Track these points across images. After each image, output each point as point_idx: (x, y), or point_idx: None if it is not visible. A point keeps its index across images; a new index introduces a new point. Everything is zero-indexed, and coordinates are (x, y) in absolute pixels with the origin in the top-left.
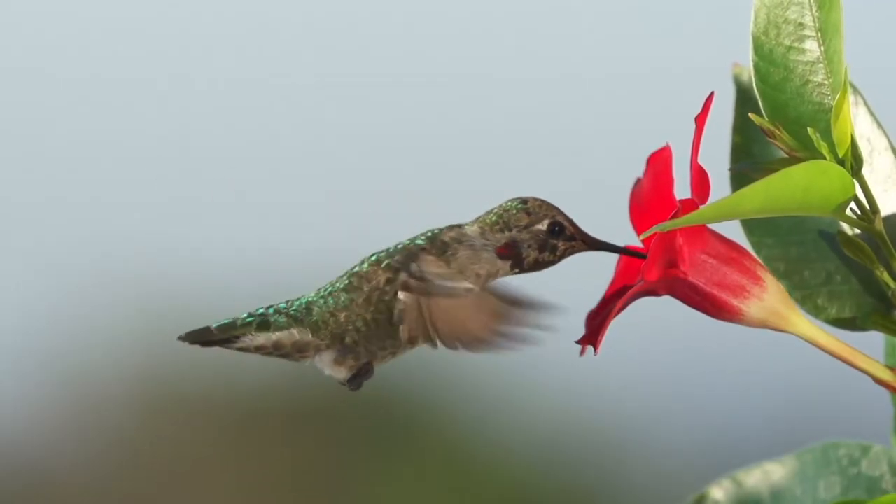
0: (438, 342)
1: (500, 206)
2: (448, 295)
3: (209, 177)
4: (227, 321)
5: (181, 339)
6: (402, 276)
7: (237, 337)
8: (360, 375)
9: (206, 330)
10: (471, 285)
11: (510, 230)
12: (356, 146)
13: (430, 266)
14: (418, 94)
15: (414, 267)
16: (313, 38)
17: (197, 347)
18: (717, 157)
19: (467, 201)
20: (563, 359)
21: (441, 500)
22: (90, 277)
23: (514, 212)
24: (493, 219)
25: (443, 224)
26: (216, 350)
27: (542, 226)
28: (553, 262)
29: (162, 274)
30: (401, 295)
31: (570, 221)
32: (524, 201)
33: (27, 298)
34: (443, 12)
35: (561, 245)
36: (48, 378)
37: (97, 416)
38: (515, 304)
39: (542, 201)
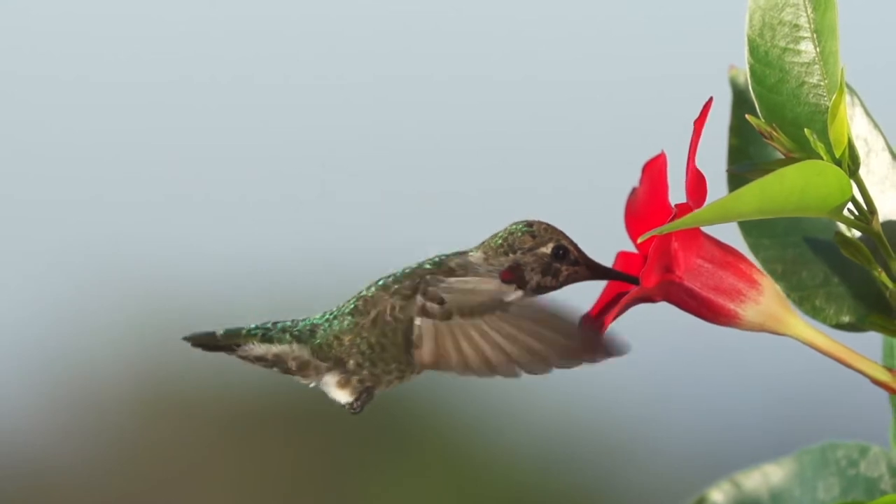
0: (454, 369)
1: (506, 228)
2: (470, 313)
3: (210, 177)
4: (232, 329)
5: (186, 339)
6: (419, 300)
7: (239, 344)
8: (360, 399)
9: (211, 335)
10: (496, 289)
11: (514, 252)
12: (357, 147)
13: (454, 283)
14: (417, 95)
15: (432, 290)
16: (315, 39)
17: (197, 348)
18: (714, 159)
19: (468, 202)
20: None
21: (441, 500)
22: (90, 277)
23: (519, 234)
24: (498, 241)
25: (442, 225)
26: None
27: (547, 249)
28: (555, 287)
29: (162, 274)
30: (417, 320)
31: (575, 246)
32: (529, 224)
33: (27, 299)
34: (444, 13)
35: (564, 269)
36: (48, 378)
37: (97, 416)
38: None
39: (548, 225)
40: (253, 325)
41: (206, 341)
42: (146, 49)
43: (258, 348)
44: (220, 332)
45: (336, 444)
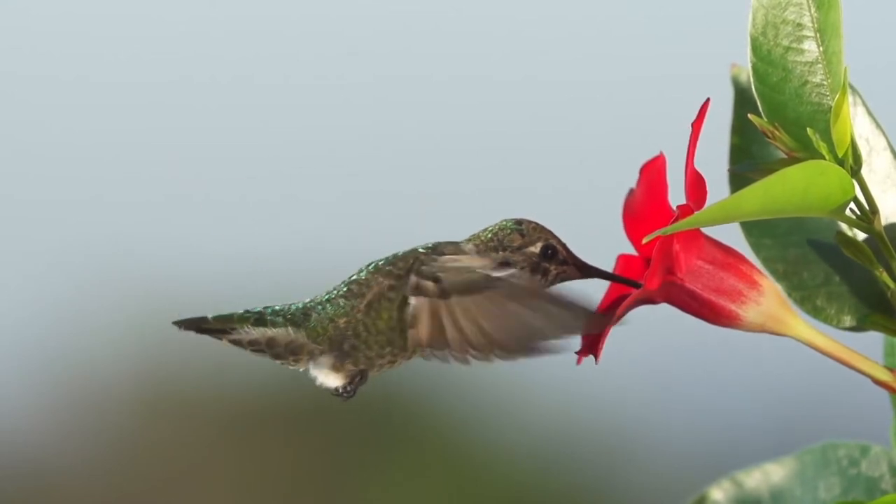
0: (449, 349)
1: (496, 224)
2: (466, 289)
3: (210, 177)
4: (224, 313)
5: (176, 324)
6: (413, 279)
7: (233, 328)
8: (353, 384)
9: (202, 318)
10: (494, 273)
11: (504, 250)
12: (357, 147)
13: (447, 262)
14: (417, 95)
15: (426, 269)
16: (315, 39)
17: (197, 348)
18: (716, 159)
19: (468, 202)
20: (562, 359)
21: (440, 501)
22: (90, 277)
23: (509, 231)
24: (488, 236)
25: (442, 225)
26: (216, 351)
27: (535, 248)
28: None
29: (162, 274)
30: (412, 299)
31: (564, 246)
32: (519, 222)
33: (27, 299)
34: (444, 13)
35: (553, 269)
36: (48, 378)
37: (97, 416)
38: (549, 300)
39: (537, 224)
40: (243, 310)
41: (196, 325)
42: (146, 49)
43: (252, 332)
44: (210, 316)
45: (336, 444)
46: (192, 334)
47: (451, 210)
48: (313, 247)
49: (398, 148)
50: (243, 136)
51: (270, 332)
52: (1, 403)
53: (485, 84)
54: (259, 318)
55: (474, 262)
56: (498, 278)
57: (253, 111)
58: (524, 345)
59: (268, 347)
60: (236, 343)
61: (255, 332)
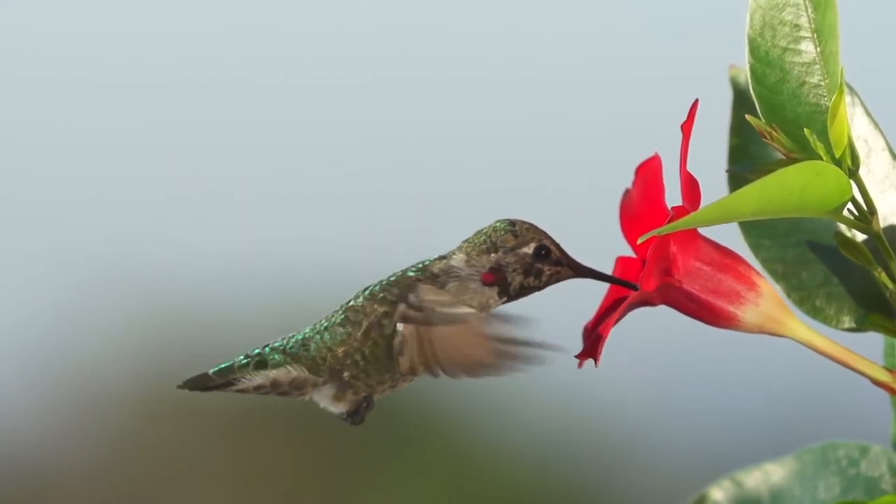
0: (440, 372)
1: (489, 226)
2: (448, 322)
3: (210, 177)
4: (224, 365)
5: (181, 386)
6: (401, 307)
7: (236, 379)
8: (361, 409)
9: (205, 376)
10: (471, 310)
11: (496, 251)
12: (357, 147)
13: (429, 294)
14: (417, 95)
15: (412, 297)
16: (315, 39)
17: (196, 345)
18: (715, 160)
19: (468, 202)
20: (562, 359)
21: (440, 501)
22: (90, 278)
23: (502, 233)
24: (481, 238)
25: (442, 225)
26: (216, 351)
27: (529, 249)
28: (538, 288)
29: (162, 274)
30: (399, 326)
31: (557, 246)
32: (512, 223)
33: (27, 299)
34: (444, 13)
35: (547, 270)
36: (48, 378)
37: (97, 416)
38: (510, 334)
39: (531, 225)
40: (241, 357)
41: (201, 383)
42: (146, 49)
43: (256, 378)
44: (211, 371)
45: (336, 444)
46: (191, 334)
47: (451, 210)
48: (313, 247)
49: (398, 148)
50: (243, 136)
51: (272, 373)
52: (1, 403)
53: (485, 84)
54: (259, 361)
55: (455, 308)
56: (474, 314)
57: (253, 111)
58: (495, 364)
59: (273, 389)
60: (242, 391)
61: (258, 377)
